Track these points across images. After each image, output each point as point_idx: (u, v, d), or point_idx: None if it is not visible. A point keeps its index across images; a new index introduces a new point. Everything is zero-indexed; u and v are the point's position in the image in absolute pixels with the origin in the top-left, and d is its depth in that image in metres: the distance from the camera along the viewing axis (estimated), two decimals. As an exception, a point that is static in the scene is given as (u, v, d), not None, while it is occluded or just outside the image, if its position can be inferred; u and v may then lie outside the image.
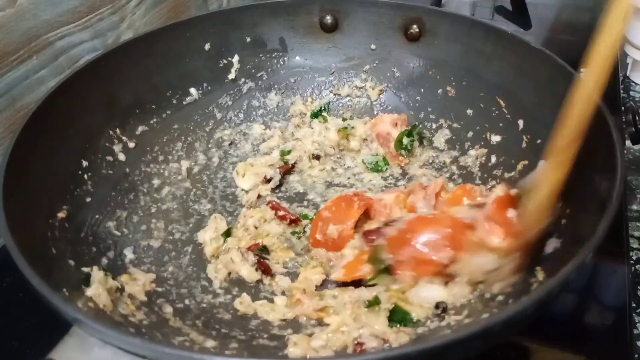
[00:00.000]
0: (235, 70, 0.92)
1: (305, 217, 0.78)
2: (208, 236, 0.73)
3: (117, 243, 0.70)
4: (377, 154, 0.87)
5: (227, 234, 0.74)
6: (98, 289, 0.57)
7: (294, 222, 0.76)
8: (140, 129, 0.82)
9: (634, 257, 0.77)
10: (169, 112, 0.86)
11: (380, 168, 0.86)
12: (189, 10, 1.15)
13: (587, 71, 0.53)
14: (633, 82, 1.15)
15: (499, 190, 0.65)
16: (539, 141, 0.73)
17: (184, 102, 0.88)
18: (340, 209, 0.71)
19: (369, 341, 0.57)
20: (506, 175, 0.77)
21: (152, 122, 0.83)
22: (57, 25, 0.85)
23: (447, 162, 0.85)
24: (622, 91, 1.10)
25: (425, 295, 0.62)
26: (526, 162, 0.74)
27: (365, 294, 0.64)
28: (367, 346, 0.56)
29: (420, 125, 0.88)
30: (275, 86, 0.95)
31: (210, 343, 0.56)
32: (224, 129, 0.91)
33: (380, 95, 0.94)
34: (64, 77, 0.72)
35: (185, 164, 0.84)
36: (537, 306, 0.45)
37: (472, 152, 0.83)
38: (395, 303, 0.61)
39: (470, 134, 0.84)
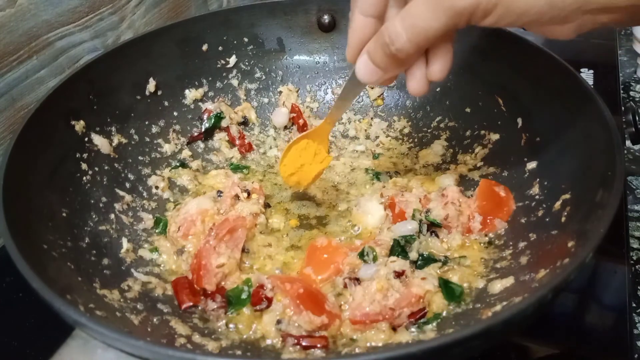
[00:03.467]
0: (233, 71, 0.92)
1: None
2: None
3: (117, 244, 0.69)
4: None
5: None
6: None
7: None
8: (139, 129, 0.82)
9: (634, 257, 0.77)
10: (166, 112, 0.86)
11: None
12: (188, 10, 1.15)
13: None
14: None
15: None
16: (537, 139, 0.73)
17: (182, 102, 0.88)
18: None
19: None
20: (505, 173, 0.76)
21: (150, 122, 0.83)
22: (57, 25, 0.85)
23: (445, 160, 0.84)
24: (622, 91, 1.10)
25: None
26: (525, 159, 0.74)
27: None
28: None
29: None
30: (273, 86, 0.95)
31: (211, 345, 0.56)
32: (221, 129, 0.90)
33: (379, 95, 0.94)
34: (64, 77, 0.73)
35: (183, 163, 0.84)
36: (537, 306, 0.45)
37: (470, 150, 0.83)
38: None
39: (468, 132, 0.84)
